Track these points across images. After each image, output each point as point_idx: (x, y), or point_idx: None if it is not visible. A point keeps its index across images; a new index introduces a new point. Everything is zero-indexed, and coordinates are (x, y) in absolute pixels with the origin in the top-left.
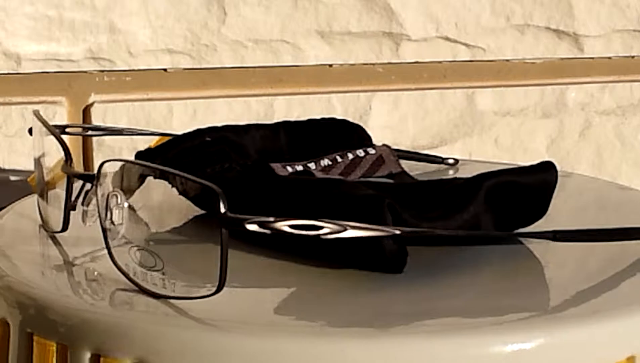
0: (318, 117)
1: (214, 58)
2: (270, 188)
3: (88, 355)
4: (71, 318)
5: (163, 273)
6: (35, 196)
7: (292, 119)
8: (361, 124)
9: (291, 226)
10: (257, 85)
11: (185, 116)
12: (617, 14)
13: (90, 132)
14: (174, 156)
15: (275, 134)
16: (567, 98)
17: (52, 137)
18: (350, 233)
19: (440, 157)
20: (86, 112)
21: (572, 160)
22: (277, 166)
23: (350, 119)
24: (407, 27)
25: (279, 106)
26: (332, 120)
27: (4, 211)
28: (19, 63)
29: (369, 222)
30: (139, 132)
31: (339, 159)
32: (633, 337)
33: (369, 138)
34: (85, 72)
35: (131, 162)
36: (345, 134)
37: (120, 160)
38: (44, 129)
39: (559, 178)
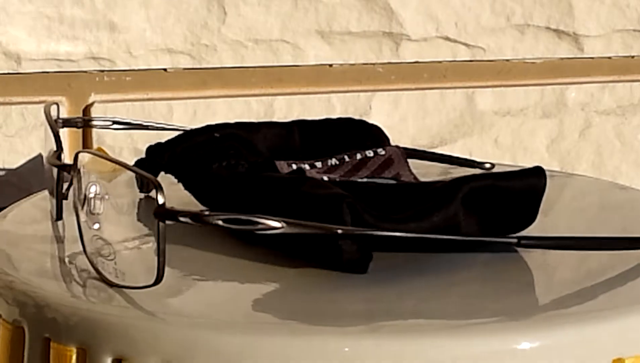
0: (335, 116)
1: (214, 58)
2: (242, 185)
3: (109, 360)
4: (91, 323)
5: (115, 263)
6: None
7: (292, 118)
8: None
9: (225, 221)
10: (257, 85)
11: (185, 116)
12: (617, 14)
13: (115, 126)
14: (183, 151)
15: (289, 132)
16: (567, 98)
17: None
18: (287, 230)
19: (474, 161)
20: (86, 112)
21: (572, 160)
22: (282, 164)
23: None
24: (407, 27)
25: (278, 106)
26: (349, 120)
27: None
28: (19, 63)
29: (327, 221)
30: (164, 127)
31: (347, 159)
32: (618, 341)
33: (385, 139)
34: (85, 72)
35: (102, 156)
36: (360, 135)
37: (93, 153)
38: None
39: (561, 179)
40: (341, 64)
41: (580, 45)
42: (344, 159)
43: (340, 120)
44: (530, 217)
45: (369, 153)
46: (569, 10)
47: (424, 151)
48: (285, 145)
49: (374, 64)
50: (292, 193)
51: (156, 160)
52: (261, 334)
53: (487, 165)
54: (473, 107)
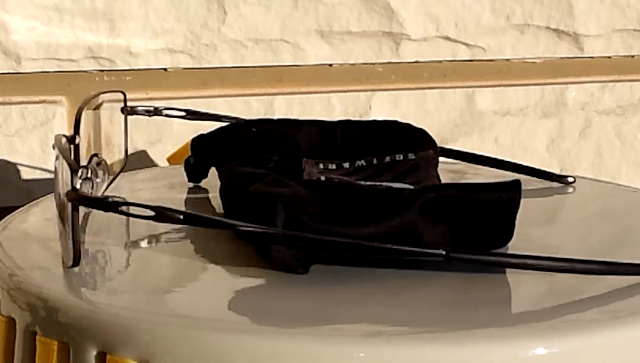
0: (381, 118)
1: (214, 58)
2: (225, 180)
3: (94, 352)
4: (75, 317)
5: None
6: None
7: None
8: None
9: (121, 211)
10: (257, 84)
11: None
12: (617, 14)
13: (189, 117)
14: (221, 144)
15: (332, 131)
16: (567, 98)
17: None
18: (188, 222)
19: (553, 174)
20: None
21: (572, 160)
22: (310, 162)
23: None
24: (407, 26)
25: (279, 106)
26: (394, 123)
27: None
28: (19, 62)
29: (262, 219)
30: (238, 119)
31: (374, 162)
32: (581, 357)
33: (427, 143)
34: (85, 71)
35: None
36: (401, 138)
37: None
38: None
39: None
40: (341, 64)
41: (580, 45)
42: (372, 161)
43: (385, 122)
44: (505, 232)
45: (398, 157)
46: (569, 10)
47: (499, 160)
48: (325, 144)
49: (374, 63)
50: (243, 191)
51: (200, 152)
52: (228, 332)
53: (570, 179)
54: (473, 107)
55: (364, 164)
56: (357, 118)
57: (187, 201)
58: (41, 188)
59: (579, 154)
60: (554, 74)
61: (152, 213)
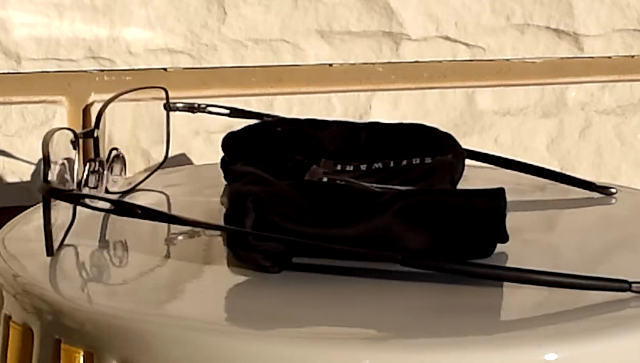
0: (407, 121)
1: (214, 58)
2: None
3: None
4: (99, 326)
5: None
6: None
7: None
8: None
9: (85, 204)
10: (257, 84)
11: (185, 115)
12: (617, 14)
13: (232, 114)
14: (247, 143)
15: (357, 133)
16: (567, 98)
17: None
18: (146, 217)
19: (593, 184)
20: (86, 111)
21: (572, 160)
22: (328, 163)
23: (351, 119)
24: (407, 26)
25: (279, 105)
26: (419, 126)
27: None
28: (19, 62)
29: (235, 217)
30: (278, 118)
31: (391, 165)
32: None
33: (451, 148)
34: (85, 71)
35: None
36: (425, 142)
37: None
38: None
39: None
40: (341, 64)
41: (580, 45)
42: (389, 164)
43: (410, 125)
44: (490, 240)
45: (415, 161)
46: (569, 10)
47: (539, 168)
48: (349, 145)
49: (374, 63)
50: (228, 188)
51: (229, 151)
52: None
53: (612, 189)
54: (473, 107)
55: (381, 166)
56: (357, 118)
57: (204, 200)
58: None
59: (579, 154)
60: (554, 74)
61: (112, 207)
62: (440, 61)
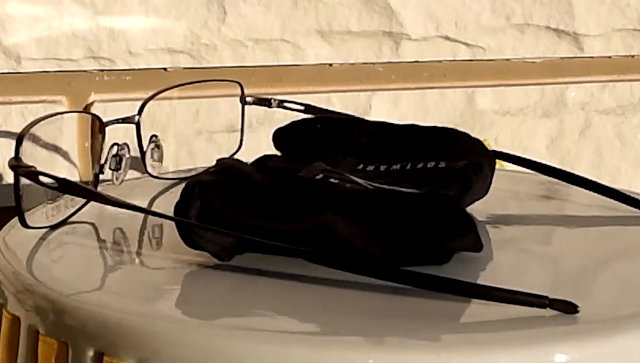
0: (441, 125)
1: (214, 57)
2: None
3: (91, 353)
4: (74, 317)
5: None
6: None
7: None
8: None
9: (34, 179)
10: (257, 84)
11: (185, 115)
12: (617, 13)
13: (307, 111)
14: (289, 140)
15: (392, 134)
16: (567, 97)
17: None
18: (90, 197)
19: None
20: (86, 111)
21: (572, 159)
22: (351, 161)
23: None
24: (407, 26)
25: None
26: (449, 130)
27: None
28: (19, 62)
29: (178, 205)
30: (351, 116)
31: (407, 167)
32: None
33: (470, 153)
34: (85, 71)
35: None
36: (447, 145)
37: None
38: None
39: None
40: (341, 64)
41: (580, 44)
42: (405, 166)
43: (442, 129)
44: (440, 246)
45: (430, 164)
46: (569, 9)
47: (590, 181)
48: (380, 145)
49: (374, 63)
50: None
51: (278, 147)
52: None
53: None
54: (473, 107)
55: (397, 168)
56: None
57: None
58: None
59: (579, 154)
60: (554, 74)
61: (56, 184)
62: (440, 61)
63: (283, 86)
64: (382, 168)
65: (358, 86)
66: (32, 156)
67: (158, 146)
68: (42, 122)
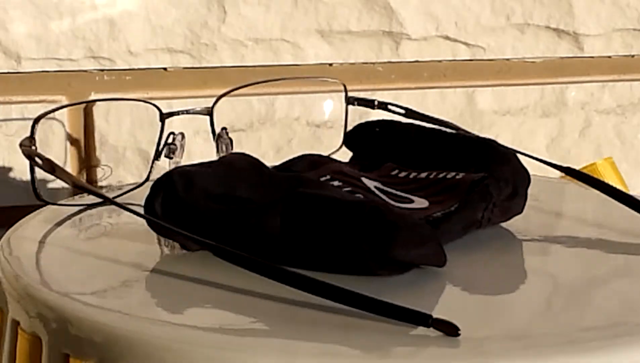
0: (480, 135)
1: (214, 57)
2: None
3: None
4: (108, 338)
5: None
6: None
7: (293, 117)
8: (361, 123)
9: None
10: (258, 84)
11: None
12: (617, 13)
13: (408, 115)
14: (354, 142)
15: (438, 142)
16: (567, 97)
17: None
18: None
19: None
20: (86, 111)
21: (572, 159)
22: (389, 166)
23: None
24: (407, 26)
25: (279, 105)
26: (488, 142)
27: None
28: (19, 62)
29: (146, 198)
30: (448, 123)
31: (431, 176)
32: None
33: (509, 169)
34: (85, 71)
35: None
36: (480, 157)
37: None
38: None
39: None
40: (341, 63)
41: (580, 44)
42: (429, 175)
43: (482, 140)
44: (380, 257)
45: (449, 175)
46: (569, 9)
47: (630, 198)
48: (425, 153)
49: (374, 63)
50: None
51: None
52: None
53: None
54: (473, 107)
55: (423, 177)
56: (356, 118)
57: None
58: (41, 187)
59: (579, 153)
60: (554, 73)
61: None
62: (440, 61)
63: (283, 86)
64: (412, 175)
65: (358, 85)
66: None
67: (229, 138)
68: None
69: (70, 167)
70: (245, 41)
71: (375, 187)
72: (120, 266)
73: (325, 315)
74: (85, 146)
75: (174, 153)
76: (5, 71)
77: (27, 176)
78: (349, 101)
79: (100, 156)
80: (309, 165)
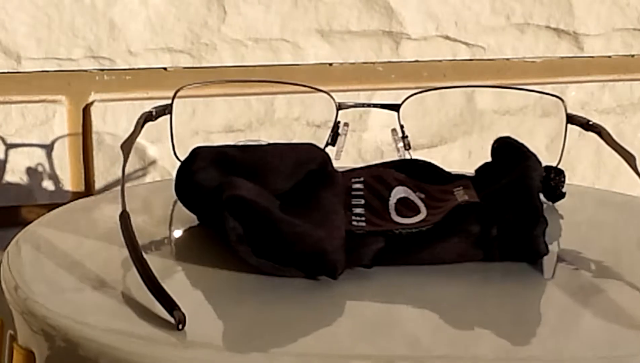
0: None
1: (214, 57)
2: None
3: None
4: (102, 355)
5: None
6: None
7: (293, 117)
8: (361, 123)
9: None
10: (257, 84)
11: (185, 115)
12: (616, 13)
13: None
14: None
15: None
16: (567, 97)
17: None
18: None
19: None
20: (86, 111)
21: (572, 159)
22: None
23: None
24: (407, 26)
25: (279, 105)
26: (518, 164)
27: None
28: (19, 62)
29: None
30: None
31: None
32: None
33: (509, 195)
34: (85, 71)
35: None
36: (500, 180)
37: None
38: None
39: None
40: (341, 63)
41: (580, 44)
42: (450, 186)
43: (514, 164)
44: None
45: (457, 189)
46: (569, 9)
47: None
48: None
49: (374, 63)
50: None
51: None
52: None
53: None
54: (473, 106)
55: (457, 187)
56: (356, 118)
57: None
58: (41, 187)
59: (579, 153)
60: (554, 73)
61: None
62: (440, 61)
63: (283, 86)
64: (447, 186)
65: (358, 85)
66: None
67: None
68: None
69: (70, 166)
70: (245, 41)
71: (400, 197)
72: (117, 279)
73: None
74: (83, 146)
75: (335, 141)
76: (5, 70)
77: (26, 176)
78: (569, 120)
79: (97, 156)
80: (372, 167)
